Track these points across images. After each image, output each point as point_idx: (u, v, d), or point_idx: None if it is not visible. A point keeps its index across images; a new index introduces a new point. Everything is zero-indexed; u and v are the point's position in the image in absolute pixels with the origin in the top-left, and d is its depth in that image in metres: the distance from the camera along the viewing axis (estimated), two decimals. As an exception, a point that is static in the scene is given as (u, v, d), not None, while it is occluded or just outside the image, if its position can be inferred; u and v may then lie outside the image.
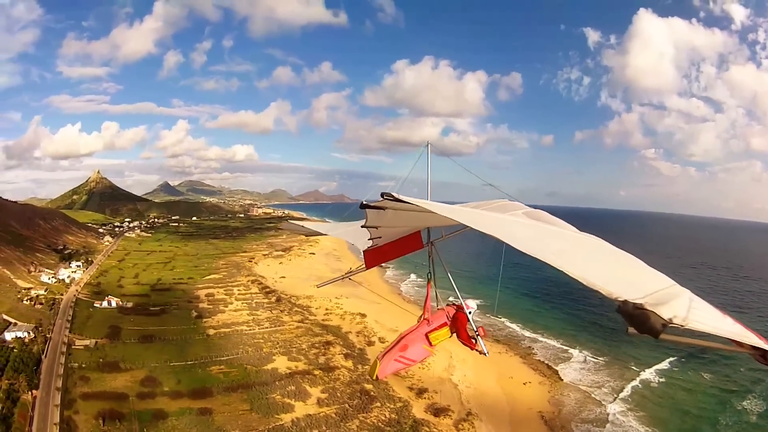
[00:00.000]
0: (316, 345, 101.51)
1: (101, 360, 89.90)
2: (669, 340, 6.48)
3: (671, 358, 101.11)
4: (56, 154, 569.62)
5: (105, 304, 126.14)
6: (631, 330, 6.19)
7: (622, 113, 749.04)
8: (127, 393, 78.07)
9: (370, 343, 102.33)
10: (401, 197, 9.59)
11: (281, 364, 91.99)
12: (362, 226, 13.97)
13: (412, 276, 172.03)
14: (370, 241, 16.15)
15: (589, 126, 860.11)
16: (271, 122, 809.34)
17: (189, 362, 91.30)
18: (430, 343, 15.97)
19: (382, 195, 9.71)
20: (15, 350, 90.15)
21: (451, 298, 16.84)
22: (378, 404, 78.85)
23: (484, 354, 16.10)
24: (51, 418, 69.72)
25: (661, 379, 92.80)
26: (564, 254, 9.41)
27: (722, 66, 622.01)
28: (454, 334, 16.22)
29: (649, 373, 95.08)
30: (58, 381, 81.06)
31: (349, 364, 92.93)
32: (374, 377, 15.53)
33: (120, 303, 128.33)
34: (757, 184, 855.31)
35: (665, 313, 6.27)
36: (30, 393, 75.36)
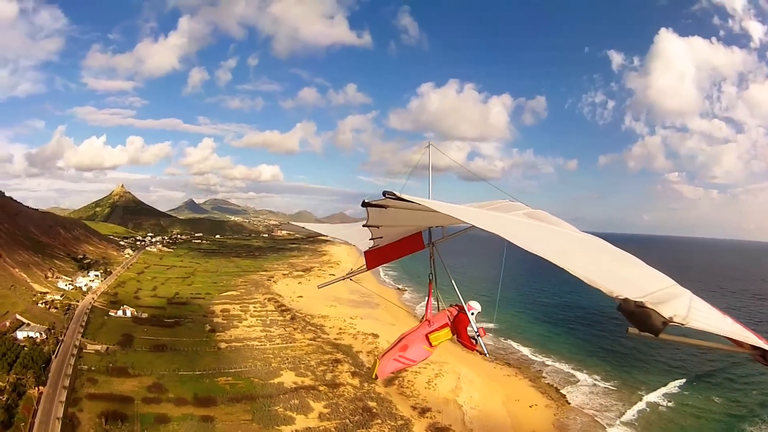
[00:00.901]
0: (325, 362, 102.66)
1: (111, 365, 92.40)
2: (669, 339, 6.77)
3: (680, 382, 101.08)
4: (80, 165, 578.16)
5: (120, 313, 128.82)
6: (632, 329, 6.47)
7: (645, 136, 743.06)
8: (133, 397, 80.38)
9: None
10: (403, 196, 9.77)
11: (288, 378, 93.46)
12: (364, 225, 14.05)
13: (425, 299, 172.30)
14: (372, 241, 16.45)
15: (612, 150, 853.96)
16: (296, 143, 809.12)
17: (197, 372, 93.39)
18: (431, 344, 16.59)
19: (384, 194, 9.94)
20: (26, 348, 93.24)
21: (472, 303, 17.16)
22: (379, 421, 79.84)
23: (485, 354, 16.94)
24: (54, 413, 72.26)
25: (669, 404, 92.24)
26: (566, 253, 9.88)
27: (742, 85, 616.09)
28: (455, 335, 16.78)
29: (656, 397, 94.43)
30: (65, 380, 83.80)
31: (356, 381, 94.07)
32: (374, 376, 16.12)
33: (135, 313, 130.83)
34: None
35: (666, 311, 6.43)
36: (37, 389, 78.10)
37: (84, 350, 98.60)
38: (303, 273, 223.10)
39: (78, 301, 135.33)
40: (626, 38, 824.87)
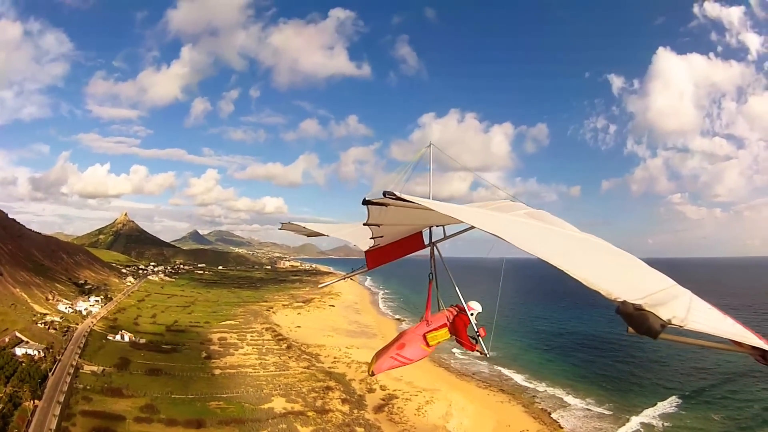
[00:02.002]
0: (317, 389, 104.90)
1: (106, 385, 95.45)
2: (668, 339, 6.78)
3: (676, 402, 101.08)
4: (83, 192, 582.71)
5: (118, 337, 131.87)
6: (631, 330, 6.48)
7: (647, 159, 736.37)
8: (125, 416, 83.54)
9: (371, 390, 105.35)
10: (403, 196, 9.99)
11: (278, 404, 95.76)
12: (364, 224, 13.89)
13: None
14: (372, 240, 16.50)
15: (615, 174, 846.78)
16: (299, 175, 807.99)
17: (190, 396, 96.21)
18: (428, 344, 16.68)
19: (385, 194, 10.20)
20: (23, 364, 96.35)
21: (472, 303, 17.32)
22: None
23: (485, 354, 17.03)
24: (48, 425, 75.68)
25: (665, 424, 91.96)
26: (565, 254, 9.84)
27: (741, 99, 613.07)
28: (454, 336, 16.90)
29: (651, 419, 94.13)
30: (60, 396, 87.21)
31: (346, 408, 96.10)
32: (370, 373, 16.40)
33: (133, 338, 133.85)
34: None
35: (664, 313, 6.48)
36: (32, 402, 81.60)
37: (80, 370, 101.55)
38: (303, 304, 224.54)
39: (77, 324, 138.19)
40: (626, 61, 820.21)
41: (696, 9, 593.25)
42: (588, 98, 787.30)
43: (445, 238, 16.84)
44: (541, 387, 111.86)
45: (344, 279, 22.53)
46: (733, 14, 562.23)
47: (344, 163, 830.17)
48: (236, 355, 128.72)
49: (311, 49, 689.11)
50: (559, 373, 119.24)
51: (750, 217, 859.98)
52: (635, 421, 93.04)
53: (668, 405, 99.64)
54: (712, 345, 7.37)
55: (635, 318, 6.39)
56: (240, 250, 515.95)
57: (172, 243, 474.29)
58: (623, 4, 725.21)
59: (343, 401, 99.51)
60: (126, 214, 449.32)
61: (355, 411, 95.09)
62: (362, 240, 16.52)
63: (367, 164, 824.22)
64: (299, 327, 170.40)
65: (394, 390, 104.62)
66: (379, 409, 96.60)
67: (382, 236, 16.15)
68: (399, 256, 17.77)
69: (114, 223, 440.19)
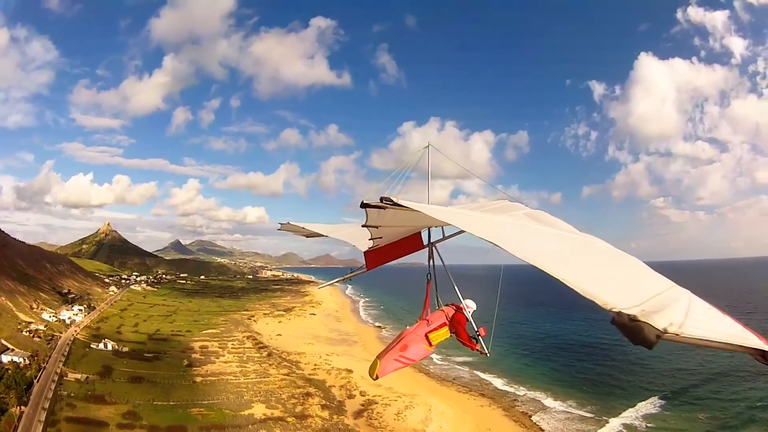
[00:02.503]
0: (296, 395, 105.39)
1: (89, 392, 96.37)
2: (667, 339, 6.57)
3: (660, 403, 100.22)
4: (67, 202, 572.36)
5: (101, 346, 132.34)
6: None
7: (628, 164, 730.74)
8: (108, 422, 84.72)
9: (351, 396, 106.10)
10: (400, 201, 10.19)
11: (258, 410, 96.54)
12: (363, 225, 13.98)
13: None
14: (371, 241, 16.60)
15: (596, 181, 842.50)
16: (280, 185, 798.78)
17: (172, 403, 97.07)
18: (430, 343, 16.56)
19: (382, 199, 10.39)
20: (9, 371, 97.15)
21: (467, 302, 17.25)
22: None
23: (486, 354, 17.06)
24: (34, 431, 76.88)
25: (649, 425, 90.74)
26: (561, 261, 9.77)
27: (724, 102, 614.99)
28: (454, 334, 16.84)
29: (634, 419, 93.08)
30: (46, 403, 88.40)
31: (325, 414, 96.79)
32: (374, 377, 15.93)
33: (116, 347, 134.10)
34: (766, 219, 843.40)
35: (660, 322, 6.48)
36: (18, 408, 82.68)
37: (65, 378, 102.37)
38: (284, 313, 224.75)
39: (61, 333, 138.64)
40: (607, 67, 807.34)
41: (679, 14, 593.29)
42: (569, 105, 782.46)
43: (444, 238, 17.17)
44: (521, 391, 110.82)
45: (343, 280, 22.06)
46: (717, 19, 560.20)
47: (325, 172, 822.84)
48: (217, 363, 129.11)
49: (292, 59, 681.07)
50: (540, 377, 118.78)
51: (734, 219, 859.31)
52: (617, 422, 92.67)
53: (651, 406, 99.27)
54: (710, 344, 7.35)
55: (630, 329, 6.45)
56: (222, 260, 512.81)
57: (155, 253, 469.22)
58: (606, 11, 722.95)
59: (323, 407, 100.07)
60: (109, 224, 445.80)
61: (335, 416, 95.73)
62: (361, 241, 16.99)
63: (347, 173, 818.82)
64: (280, 335, 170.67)
65: (374, 395, 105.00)
66: (358, 414, 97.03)
67: (381, 237, 16.44)
68: (398, 257, 18.14)
69: (97, 233, 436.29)
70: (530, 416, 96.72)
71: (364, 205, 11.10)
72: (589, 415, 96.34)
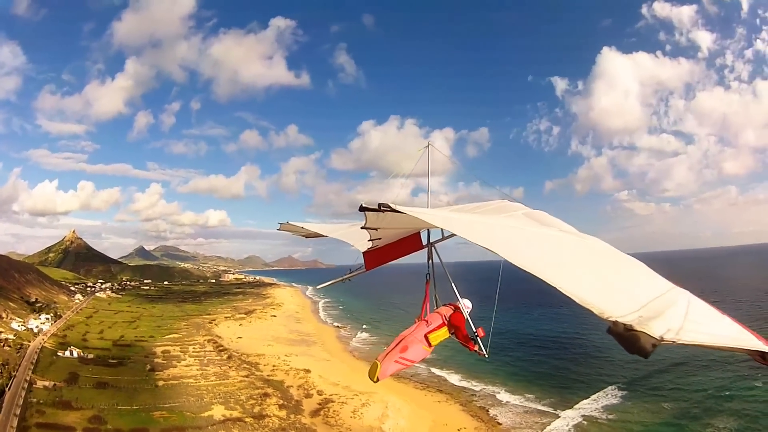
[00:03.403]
0: (254, 396, 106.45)
1: (57, 399, 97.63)
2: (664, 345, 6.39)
3: (622, 393, 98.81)
4: (33, 210, 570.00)
5: (68, 353, 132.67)
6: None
7: (591, 159, 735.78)
8: (75, 427, 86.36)
9: (308, 396, 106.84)
10: (398, 207, 10.25)
11: (217, 412, 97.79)
12: (362, 228, 14.15)
13: (363, 334, 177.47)
14: (370, 242, 16.55)
15: (558, 175, 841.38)
16: (242, 187, 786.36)
17: (135, 407, 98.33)
18: (429, 344, 16.34)
19: (380, 205, 10.42)
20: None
21: (464, 301, 17.11)
22: None
23: (484, 355, 16.65)
24: (6, 437, 78.85)
25: (610, 416, 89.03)
26: (558, 267, 9.67)
27: (689, 95, 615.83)
28: (453, 334, 16.83)
29: (595, 411, 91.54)
30: (17, 410, 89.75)
31: (283, 413, 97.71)
32: (375, 379, 15.46)
33: (82, 354, 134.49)
34: (734, 209, 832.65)
35: (657, 329, 6.49)
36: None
37: (34, 385, 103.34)
38: (245, 315, 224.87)
39: (29, 342, 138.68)
40: (570, 63, 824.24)
41: (644, 9, 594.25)
42: (531, 101, 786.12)
43: (444, 238, 17.22)
44: (479, 386, 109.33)
45: (342, 280, 20.75)
46: (684, 13, 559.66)
47: (285, 173, 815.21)
48: (179, 367, 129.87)
49: (250, 60, 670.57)
50: (497, 372, 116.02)
51: (701, 210, 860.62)
52: (575, 414, 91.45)
53: (611, 397, 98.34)
54: (709, 347, 7.30)
55: (626, 339, 6.40)
56: (185, 265, 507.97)
57: (119, 259, 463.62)
58: (568, 8, 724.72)
59: (280, 407, 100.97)
60: (74, 232, 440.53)
61: (292, 416, 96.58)
62: (360, 241, 16.91)
63: (307, 174, 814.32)
64: (240, 338, 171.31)
65: (331, 394, 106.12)
66: (315, 413, 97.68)
67: (380, 238, 16.47)
68: (397, 257, 18.10)
69: (62, 240, 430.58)
70: (487, 410, 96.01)
71: (363, 209, 11.31)
72: (547, 408, 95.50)
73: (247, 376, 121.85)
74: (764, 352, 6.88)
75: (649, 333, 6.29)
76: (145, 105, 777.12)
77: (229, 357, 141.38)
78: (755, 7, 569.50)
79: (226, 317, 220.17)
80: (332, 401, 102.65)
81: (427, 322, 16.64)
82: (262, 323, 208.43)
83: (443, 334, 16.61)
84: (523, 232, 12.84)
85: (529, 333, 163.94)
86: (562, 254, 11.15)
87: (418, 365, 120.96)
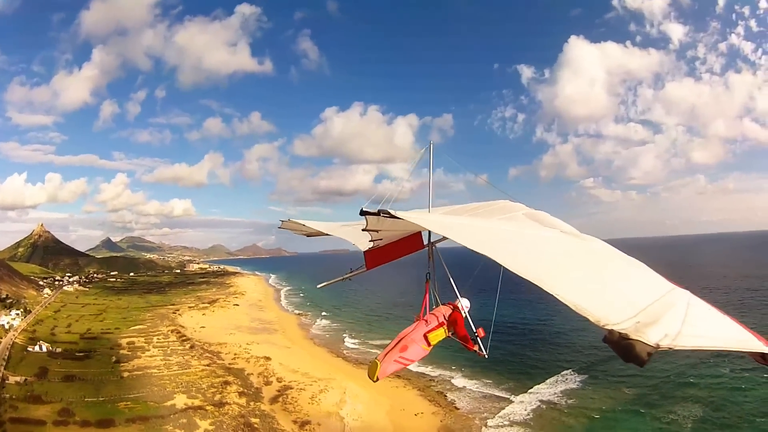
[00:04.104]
0: (215, 385, 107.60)
1: (29, 393, 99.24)
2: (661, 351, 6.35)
3: (582, 377, 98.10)
4: (3, 204, 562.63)
5: (37, 348, 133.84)
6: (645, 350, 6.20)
7: (556, 146, 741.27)
8: (46, 420, 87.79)
9: (268, 383, 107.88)
10: (397, 213, 10.33)
11: (179, 401, 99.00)
12: (363, 230, 14.31)
13: (323, 321, 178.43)
14: (371, 242, 16.62)
15: (523, 162, 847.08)
16: (205, 175, 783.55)
17: (101, 398, 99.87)
18: (429, 343, 16.15)
19: (379, 212, 10.59)
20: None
21: (462, 300, 17.06)
22: None
23: (484, 355, 16.54)
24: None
25: (570, 401, 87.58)
26: (555, 272, 9.39)
27: (658, 85, 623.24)
28: (452, 334, 16.74)
29: (553, 395, 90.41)
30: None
31: (243, 401, 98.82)
32: (375, 379, 15.36)
33: (51, 348, 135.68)
34: (702, 198, 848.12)
35: (654, 335, 6.41)
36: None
37: (6, 381, 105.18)
38: (208, 305, 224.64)
39: (1, 338, 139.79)
40: (537, 51, 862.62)
41: (615, 1, 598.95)
42: (496, 89, 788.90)
43: (444, 238, 16.01)
44: (437, 372, 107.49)
45: (343, 279, 20.69)
46: (656, 5, 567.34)
47: (248, 160, 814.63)
48: (143, 358, 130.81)
49: (214, 47, 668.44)
50: (456, 358, 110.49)
51: (668, 198, 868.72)
52: (534, 399, 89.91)
53: (571, 382, 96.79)
54: (708, 349, 7.27)
55: (622, 347, 6.28)
56: (150, 256, 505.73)
57: (87, 252, 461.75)
58: None
59: (240, 394, 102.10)
60: (42, 225, 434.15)
61: (252, 403, 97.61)
62: (361, 240, 16.72)
63: (270, 161, 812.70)
64: (203, 327, 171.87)
65: (290, 381, 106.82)
66: (274, 400, 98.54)
67: (381, 239, 16.51)
68: (398, 256, 17.92)
69: (31, 235, 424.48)
70: (445, 395, 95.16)
71: (363, 213, 11.47)
72: (504, 393, 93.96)
73: (208, 365, 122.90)
74: (764, 353, 7.04)
75: (644, 341, 6.26)
76: (111, 94, 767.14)
77: (192, 346, 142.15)
78: (732, 3, 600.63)
79: (189, 307, 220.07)
80: (291, 388, 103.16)
81: (426, 321, 16.64)
82: (224, 312, 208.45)
83: (442, 333, 16.61)
84: (521, 236, 12.97)
85: (488, 319, 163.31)
86: (560, 259, 11.12)
87: (376, 351, 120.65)
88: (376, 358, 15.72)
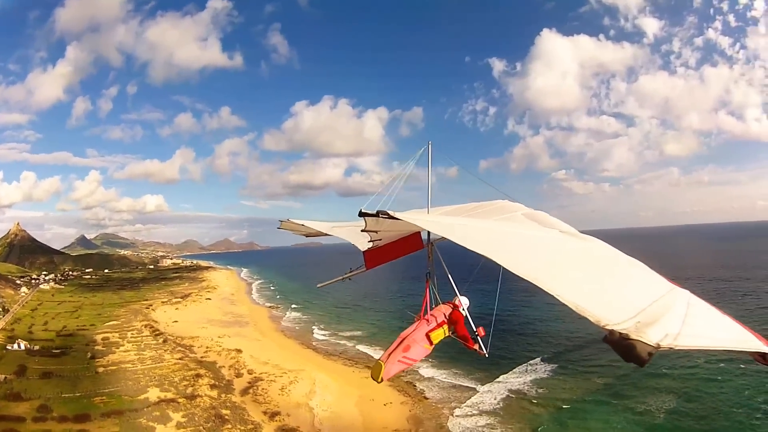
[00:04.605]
0: (188, 378, 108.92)
1: (8, 391, 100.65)
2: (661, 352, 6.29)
3: (551, 367, 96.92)
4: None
5: (16, 346, 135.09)
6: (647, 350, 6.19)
7: (527, 138, 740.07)
8: (25, 417, 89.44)
9: (239, 375, 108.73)
10: (396, 215, 10.31)
11: (153, 394, 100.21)
12: (362, 230, 13.95)
13: (293, 313, 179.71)
14: (371, 243, 16.44)
15: (494, 154, 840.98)
16: (176, 171, 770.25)
17: (77, 394, 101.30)
18: (431, 342, 16.13)
19: (378, 213, 10.51)
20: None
21: (462, 299, 16.90)
22: (229, 426, 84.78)
23: (484, 354, 16.49)
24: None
25: (540, 390, 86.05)
26: (554, 272, 9.33)
27: (631, 78, 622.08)
28: (453, 333, 16.65)
29: (523, 385, 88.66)
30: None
31: (214, 393, 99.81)
32: (379, 380, 15.64)
33: (28, 346, 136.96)
34: (676, 190, 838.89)
35: (654, 335, 6.38)
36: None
37: None
38: (181, 299, 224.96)
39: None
40: (509, 44, 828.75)
41: None
42: (467, 82, 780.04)
43: (444, 238, 15.90)
44: None
45: (342, 279, 20.65)
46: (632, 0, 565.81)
47: (218, 155, 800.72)
48: (117, 353, 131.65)
49: (185, 42, 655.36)
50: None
51: (641, 191, 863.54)
52: (503, 388, 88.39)
53: (541, 372, 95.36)
54: (709, 349, 7.24)
55: (622, 347, 6.29)
56: (124, 252, 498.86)
57: (62, 250, 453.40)
58: None
59: (212, 387, 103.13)
60: (18, 224, 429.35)
61: (223, 395, 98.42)
62: (361, 239, 16.51)
63: (240, 156, 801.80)
64: (176, 321, 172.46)
65: (261, 373, 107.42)
66: (245, 391, 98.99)
67: (380, 239, 16.33)
68: (398, 256, 17.86)
69: (8, 234, 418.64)
70: (414, 385, 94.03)
71: (362, 214, 11.23)
72: (473, 383, 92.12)
73: (181, 359, 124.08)
74: (764, 353, 6.99)
75: (645, 341, 6.22)
76: (84, 91, 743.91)
77: (165, 341, 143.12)
78: None
79: (162, 302, 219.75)
80: (261, 380, 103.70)
81: (427, 320, 16.49)
82: (197, 306, 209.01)
83: (444, 332, 16.49)
84: (520, 236, 12.81)
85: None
86: (559, 259, 11.03)
87: (346, 342, 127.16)
88: (379, 359, 15.89)
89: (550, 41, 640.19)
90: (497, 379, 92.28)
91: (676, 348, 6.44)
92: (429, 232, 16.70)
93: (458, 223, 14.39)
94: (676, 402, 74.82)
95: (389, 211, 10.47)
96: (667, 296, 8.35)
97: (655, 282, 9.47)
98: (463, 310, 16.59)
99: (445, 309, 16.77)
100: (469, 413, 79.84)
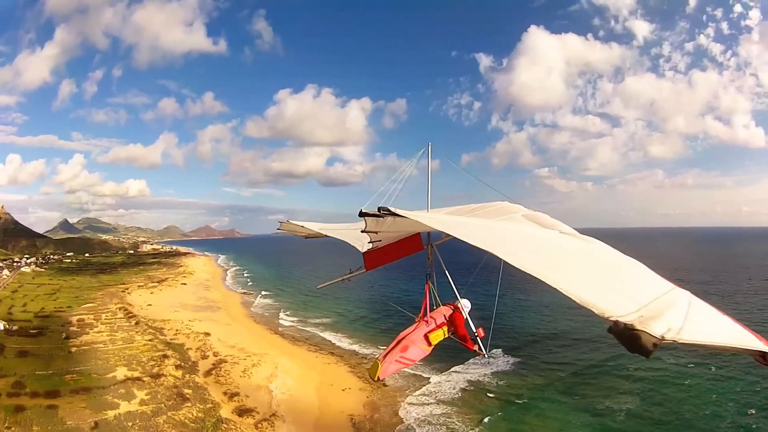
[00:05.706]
0: (155, 358, 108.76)
1: None
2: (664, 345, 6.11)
3: (516, 360, 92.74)
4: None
5: None
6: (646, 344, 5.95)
7: (510, 134, 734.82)
8: (0, 392, 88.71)
9: (205, 357, 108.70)
10: (397, 211, 10.09)
11: (120, 373, 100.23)
12: (362, 231, 13.62)
13: (264, 300, 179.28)
14: (370, 244, 16.09)
15: (476, 149, 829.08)
16: (159, 156, 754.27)
17: (50, 372, 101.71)
18: (430, 343, 15.85)
19: (379, 209, 10.28)
20: None
21: (463, 301, 16.67)
22: (189, 404, 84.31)
23: (484, 355, 15.99)
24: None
25: (500, 382, 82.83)
26: (558, 268, 9.24)
27: (617, 78, 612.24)
28: (452, 334, 16.36)
29: (483, 376, 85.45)
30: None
31: (179, 373, 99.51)
32: (375, 378, 15.34)
33: (7, 326, 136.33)
34: (659, 191, 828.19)
35: (658, 328, 6.17)
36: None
37: None
38: (157, 284, 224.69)
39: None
40: (496, 40, 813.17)
41: None
42: (453, 76, 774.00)
43: (444, 239, 16.33)
44: (369, 350, 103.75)
45: (342, 280, 20.05)
46: (623, 2, 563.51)
47: (201, 141, 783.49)
48: (91, 334, 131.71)
49: (171, 26, 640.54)
50: (389, 336, 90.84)
51: (624, 191, 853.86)
52: (462, 378, 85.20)
53: (504, 364, 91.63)
54: (709, 347, 7.11)
55: (627, 338, 6.09)
56: (105, 237, 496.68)
57: (45, 233, 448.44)
58: None
59: (177, 367, 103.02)
60: (2, 207, 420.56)
61: (187, 375, 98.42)
62: (360, 241, 16.37)
63: (223, 142, 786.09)
64: (150, 305, 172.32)
65: (226, 356, 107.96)
66: (208, 372, 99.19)
67: (380, 240, 16.01)
68: (397, 258, 17.32)
69: None
70: None
71: (362, 214, 11.06)
72: (433, 373, 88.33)
73: (150, 340, 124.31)
74: (765, 353, 6.84)
75: (650, 332, 6.08)
76: (69, 73, 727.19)
77: (137, 323, 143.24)
78: (703, 5, 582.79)
79: (139, 286, 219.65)
80: (226, 362, 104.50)
81: (426, 321, 16.23)
82: (172, 291, 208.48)
83: (443, 333, 16.22)
84: (522, 234, 12.67)
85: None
86: (561, 256, 10.90)
87: (312, 329, 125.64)
88: (377, 358, 15.59)
89: (537, 38, 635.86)
90: (457, 369, 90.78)
91: (680, 342, 6.40)
92: (429, 234, 16.68)
93: (461, 221, 13.96)
94: (638, 405, 70.70)
95: (391, 208, 10.28)
96: (669, 294, 8.51)
97: (655, 281, 9.47)
98: (464, 311, 16.51)
99: (445, 311, 16.68)
100: (425, 402, 79.53)
